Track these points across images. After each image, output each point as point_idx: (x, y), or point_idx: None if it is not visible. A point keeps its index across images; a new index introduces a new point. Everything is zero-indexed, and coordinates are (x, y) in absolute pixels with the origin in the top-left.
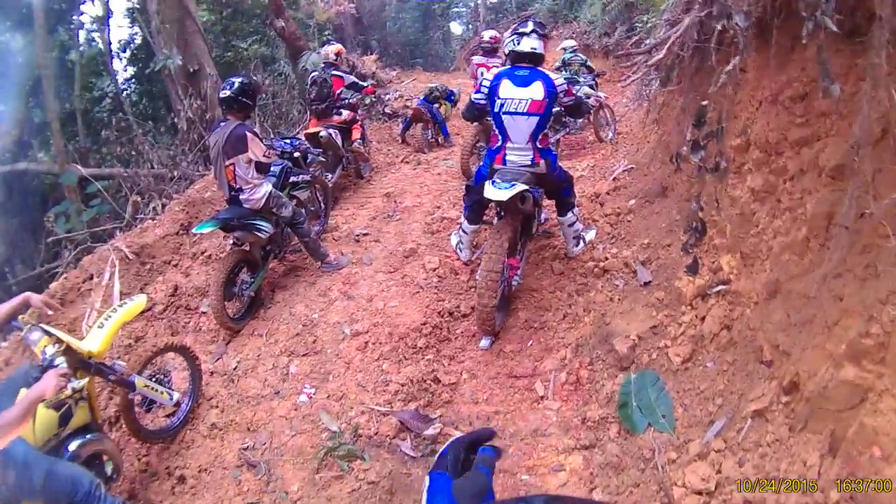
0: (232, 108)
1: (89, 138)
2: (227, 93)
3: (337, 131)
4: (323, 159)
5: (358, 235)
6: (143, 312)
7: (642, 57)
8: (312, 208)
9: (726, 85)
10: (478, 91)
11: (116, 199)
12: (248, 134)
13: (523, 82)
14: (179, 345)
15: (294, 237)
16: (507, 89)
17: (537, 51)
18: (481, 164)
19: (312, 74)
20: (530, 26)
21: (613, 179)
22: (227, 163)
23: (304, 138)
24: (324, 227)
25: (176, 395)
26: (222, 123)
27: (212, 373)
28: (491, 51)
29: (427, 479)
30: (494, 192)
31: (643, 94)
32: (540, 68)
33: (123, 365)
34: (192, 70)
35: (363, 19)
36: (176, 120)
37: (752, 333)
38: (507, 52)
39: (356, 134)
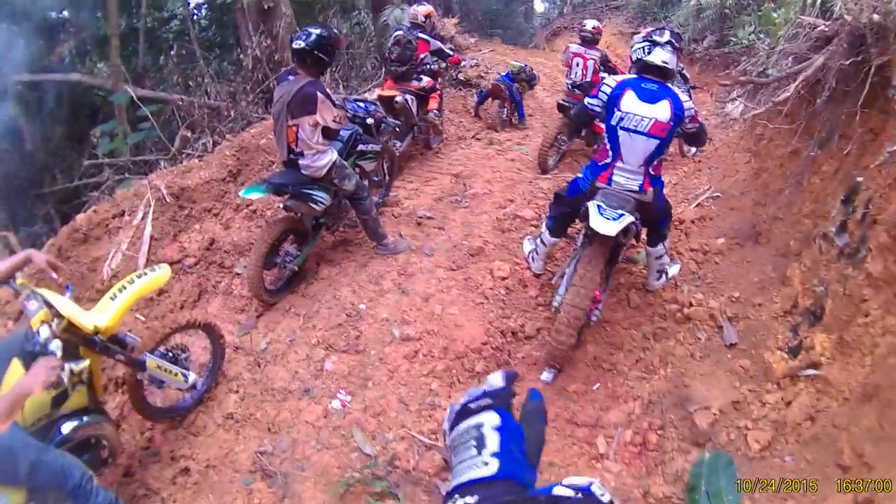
0: (304, 62)
1: (150, 59)
2: (302, 44)
3: (413, 97)
4: (398, 123)
5: (420, 217)
6: (172, 264)
7: (760, 91)
8: (376, 178)
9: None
10: (594, 96)
11: (167, 126)
12: (319, 94)
13: (650, 98)
14: (203, 322)
15: (352, 211)
16: (630, 102)
17: (668, 65)
18: (581, 175)
19: (396, 33)
20: (666, 36)
21: (698, 205)
22: (291, 122)
23: (377, 99)
24: (384, 199)
25: (192, 377)
26: (290, 77)
27: (237, 348)
28: (591, 41)
29: (495, 414)
30: (602, 222)
31: (731, 114)
32: (669, 85)
33: (137, 339)
34: (266, 7)
35: None
36: (242, 56)
37: (837, 432)
38: (633, 58)
39: (433, 104)
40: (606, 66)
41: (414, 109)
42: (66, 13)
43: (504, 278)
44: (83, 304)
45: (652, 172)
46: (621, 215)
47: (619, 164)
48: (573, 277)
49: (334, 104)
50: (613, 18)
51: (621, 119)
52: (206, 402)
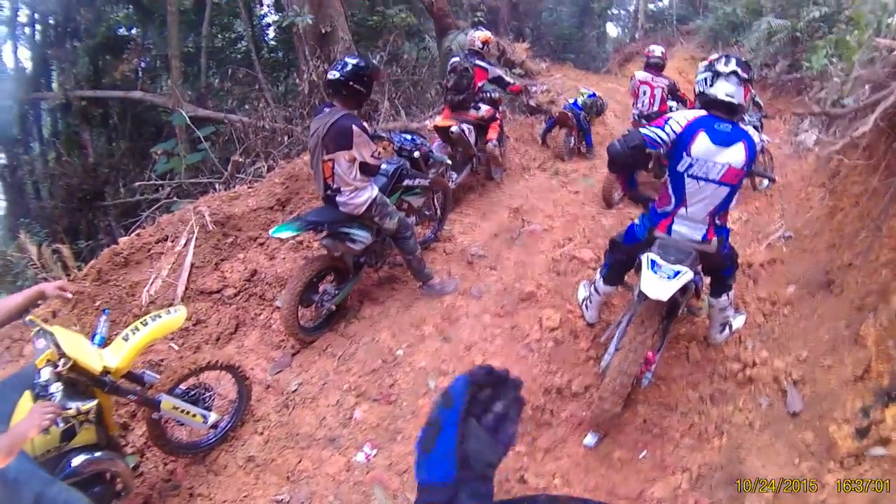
0: (340, 94)
1: (216, 78)
2: (336, 75)
3: (471, 127)
4: (449, 162)
5: (472, 255)
6: (210, 293)
7: (836, 123)
8: (427, 212)
9: None
10: (658, 126)
11: (227, 147)
12: (355, 128)
13: (724, 141)
14: (226, 363)
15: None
16: (702, 147)
17: (734, 100)
18: (637, 221)
19: (453, 61)
20: (731, 65)
21: (768, 246)
22: (326, 157)
23: (433, 129)
24: (437, 235)
25: (212, 418)
26: (326, 109)
27: (268, 386)
28: (658, 67)
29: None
30: (653, 285)
31: (804, 144)
32: (741, 124)
33: (155, 377)
34: (323, 31)
35: (519, 5)
36: (298, 81)
37: None
38: (696, 91)
39: (493, 133)
40: (675, 94)
41: (472, 140)
42: (133, 31)
43: (553, 329)
44: (119, 328)
45: (718, 222)
46: (677, 273)
47: (681, 212)
48: (623, 338)
49: (372, 138)
50: (685, 44)
51: (690, 166)
52: (231, 441)
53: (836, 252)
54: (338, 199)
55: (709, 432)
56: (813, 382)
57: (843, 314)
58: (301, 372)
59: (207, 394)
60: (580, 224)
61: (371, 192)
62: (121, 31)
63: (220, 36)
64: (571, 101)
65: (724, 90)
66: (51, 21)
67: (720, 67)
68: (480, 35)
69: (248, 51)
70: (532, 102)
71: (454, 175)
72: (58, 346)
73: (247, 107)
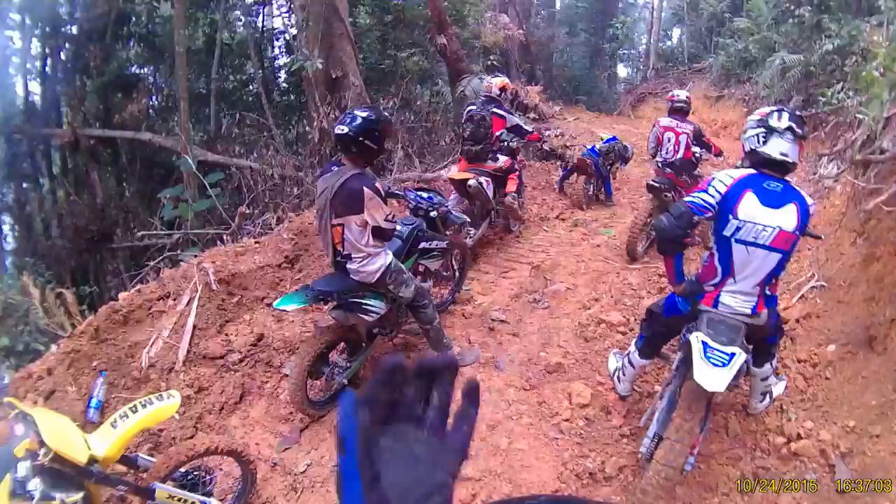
0: (349, 151)
1: (228, 120)
2: (345, 130)
3: (489, 180)
4: (468, 220)
5: (493, 321)
6: (214, 359)
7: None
8: (445, 273)
9: None
10: (703, 190)
11: (235, 195)
12: (367, 190)
13: (774, 202)
14: (227, 448)
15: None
16: (750, 208)
17: (789, 160)
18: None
19: (469, 109)
20: (785, 120)
21: (801, 298)
22: (336, 222)
23: (448, 181)
24: (455, 297)
25: None
26: (335, 168)
27: (274, 464)
28: (683, 112)
29: None
30: (710, 375)
31: (827, 177)
32: (793, 183)
33: (150, 461)
34: (334, 76)
35: (530, 47)
36: (308, 128)
37: None
38: (745, 149)
39: (511, 186)
40: (700, 140)
41: (490, 193)
42: (144, 70)
43: (584, 406)
44: (117, 391)
45: (768, 293)
46: (732, 356)
47: (729, 283)
48: (668, 427)
49: (385, 200)
50: (697, 82)
51: (738, 229)
52: None
53: (876, 306)
54: (349, 266)
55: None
56: (861, 454)
57: (890, 375)
58: (310, 450)
59: (209, 477)
60: (605, 282)
61: (385, 258)
62: (132, 69)
63: (231, 78)
64: (589, 146)
65: (778, 148)
66: (61, 56)
67: (774, 123)
68: (497, 81)
69: (259, 94)
70: (546, 147)
71: (472, 231)
72: (38, 435)
73: (255, 154)
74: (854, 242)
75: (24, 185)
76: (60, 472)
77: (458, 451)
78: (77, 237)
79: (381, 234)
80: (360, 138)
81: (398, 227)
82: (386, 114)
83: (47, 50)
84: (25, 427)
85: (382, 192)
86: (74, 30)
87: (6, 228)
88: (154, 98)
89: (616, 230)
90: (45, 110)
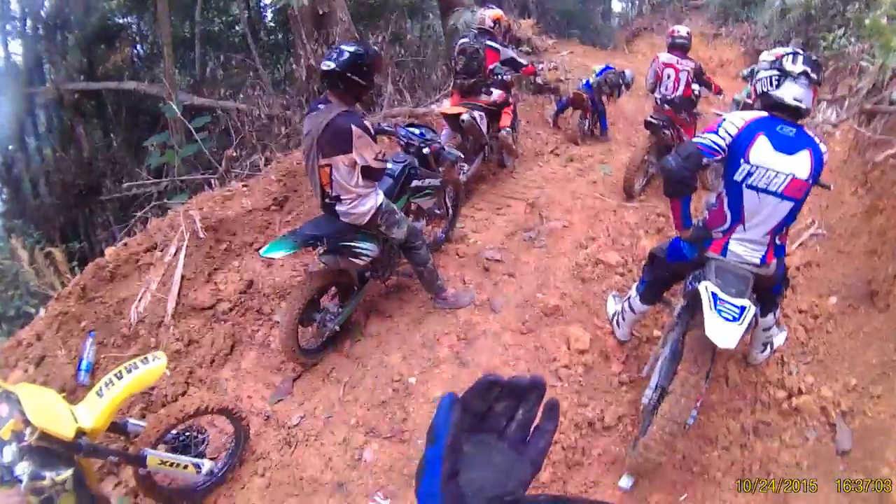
0: (336, 87)
1: (215, 63)
2: (331, 65)
3: (483, 114)
4: (461, 156)
5: (488, 260)
6: (203, 309)
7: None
8: (438, 211)
9: None
10: (712, 131)
11: (222, 138)
12: (355, 128)
13: (788, 147)
14: (219, 407)
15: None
16: (762, 152)
17: (802, 106)
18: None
19: (461, 41)
20: (800, 64)
21: (801, 245)
22: (323, 162)
23: (441, 115)
24: (448, 235)
25: (206, 465)
26: (321, 106)
27: (268, 417)
28: (684, 49)
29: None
30: (722, 331)
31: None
32: (806, 128)
33: (140, 425)
34: (321, 12)
35: None
36: (295, 66)
37: None
38: (757, 90)
39: (506, 120)
40: (700, 78)
41: (484, 127)
42: (127, 19)
43: (582, 351)
44: (107, 350)
45: (778, 242)
46: (742, 310)
47: (738, 230)
48: (672, 379)
49: (375, 134)
50: (694, 19)
51: (749, 175)
52: (230, 483)
53: (879, 260)
54: (338, 208)
55: (752, 472)
56: (861, 414)
57: (892, 335)
58: (304, 401)
59: (201, 436)
60: (602, 220)
61: (376, 198)
62: (114, 20)
63: (216, 20)
64: (584, 81)
65: (792, 93)
66: (41, 14)
67: (788, 66)
68: (491, 13)
69: (245, 34)
70: (540, 81)
71: (465, 167)
72: (22, 414)
73: (241, 95)
74: (855, 192)
75: (10, 146)
76: (48, 450)
77: (532, 463)
78: (65, 193)
79: (370, 174)
80: (348, 73)
81: (389, 166)
82: (374, 48)
83: (26, 9)
84: (9, 407)
85: (371, 130)
86: None
87: None
88: (138, 46)
89: (612, 167)
90: (28, 69)
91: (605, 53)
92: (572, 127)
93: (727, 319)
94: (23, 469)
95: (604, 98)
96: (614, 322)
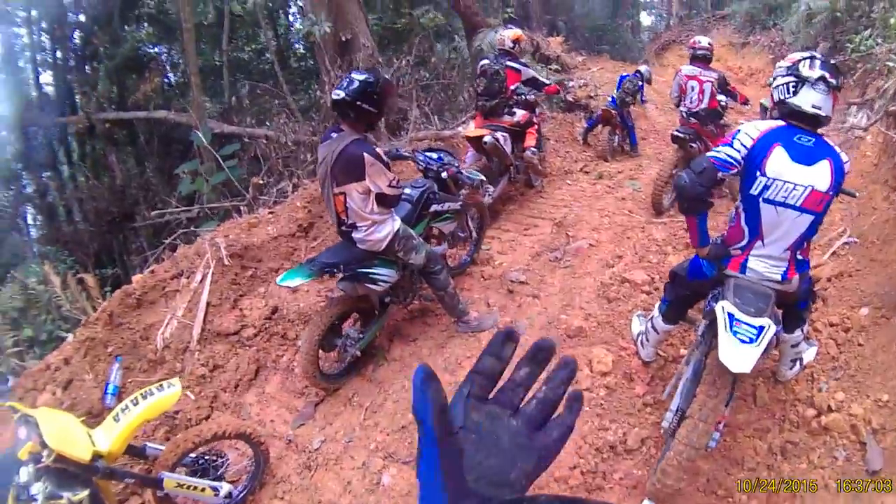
0: (347, 116)
1: (245, 90)
2: (342, 94)
3: (506, 135)
4: (483, 178)
5: (513, 281)
6: (228, 335)
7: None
8: (462, 234)
9: None
10: (727, 144)
11: (252, 165)
12: (367, 156)
13: (806, 157)
14: (237, 432)
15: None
16: (779, 164)
17: (822, 113)
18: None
19: (482, 63)
20: (818, 69)
21: (833, 255)
22: (337, 191)
23: (465, 138)
24: (473, 258)
25: (224, 489)
26: (334, 134)
27: (289, 441)
28: (706, 60)
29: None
30: (736, 354)
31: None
32: (825, 137)
33: (159, 449)
34: (343, 39)
35: None
36: (320, 93)
37: None
38: (774, 98)
39: (530, 140)
40: (725, 89)
41: (508, 149)
42: (156, 49)
43: (605, 374)
44: (133, 375)
45: (799, 257)
46: (760, 330)
47: (757, 246)
48: (692, 403)
49: (394, 159)
50: (721, 29)
51: (765, 188)
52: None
53: None
54: (354, 235)
55: (780, 496)
56: (894, 433)
57: None
58: (325, 425)
59: (220, 460)
60: (629, 237)
61: (392, 225)
62: (144, 49)
63: (246, 48)
64: (610, 98)
65: (810, 100)
66: (70, 46)
67: (805, 72)
68: (510, 33)
69: (273, 63)
70: (570, 98)
71: (490, 189)
72: (40, 436)
73: (268, 123)
74: (887, 197)
75: (45, 174)
76: (66, 471)
77: (541, 452)
78: (98, 220)
79: (385, 201)
80: (358, 102)
81: (407, 191)
82: (385, 76)
83: (56, 41)
84: (28, 430)
85: (384, 157)
86: (82, 18)
87: (30, 218)
88: (169, 75)
89: (642, 182)
90: (59, 99)
91: (634, 68)
92: (602, 144)
93: (743, 341)
94: (38, 489)
95: (630, 111)
96: (639, 342)
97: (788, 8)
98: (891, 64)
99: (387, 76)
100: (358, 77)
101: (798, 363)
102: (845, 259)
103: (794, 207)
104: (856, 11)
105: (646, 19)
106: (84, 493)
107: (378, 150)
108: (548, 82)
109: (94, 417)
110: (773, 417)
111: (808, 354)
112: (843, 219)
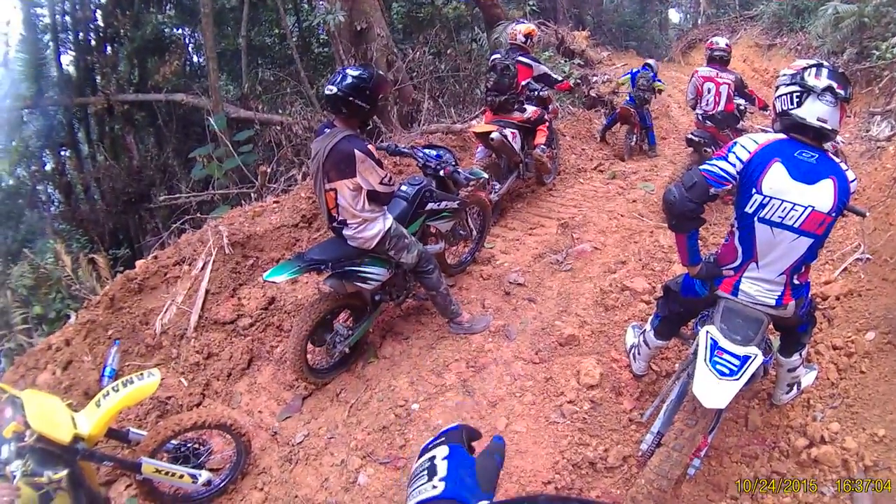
0: (339, 112)
1: (265, 74)
2: (333, 90)
3: (516, 131)
4: (485, 176)
5: (511, 283)
6: (224, 324)
7: None
8: (462, 233)
9: None
10: (721, 157)
11: (266, 151)
12: (358, 153)
13: (807, 175)
14: (216, 422)
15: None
16: (777, 181)
17: (827, 125)
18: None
19: (493, 58)
20: (824, 78)
21: (844, 271)
22: (328, 187)
23: (474, 134)
24: (474, 256)
25: (203, 476)
26: (326, 130)
27: (274, 433)
28: (723, 61)
29: (445, 447)
30: (711, 388)
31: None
32: (829, 153)
33: (141, 435)
34: (358, 28)
35: None
36: None
37: None
38: (777, 109)
39: (541, 137)
40: (742, 91)
41: (517, 145)
42: (178, 31)
43: (591, 387)
44: (131, 359)
45: (797, 282)
46: (743, 361)
47: (751, 268)
48: (668, 431)
49: (380, 162)
50: (749, 30)
51: (761, 206)
52: (231, 494)
53: None
54: (345, 232)
55: None
56: (887, 468)
57: None
58: (310, 419)
59: (203, 448)
60: (636, 242)
61: (383, 223)
62: (166, 31)
63: (268, 33)
64: (628, 96)
65: (815, 112)
66: (91, 27)
67: (811, 81)
68: (522, 28)
69: (297, 47)
70: (593, 93)
71: (497, 186)
72: (24, 417)
73: (280, 111)
74: None
75: (63, 153)
76: (48, 451)
77: (486, 483)
78: (115, 199)
79: (377, 199)
80: (350, 98)
81: (403, 188)
82: (379, 71)
83: (78, 22)
84: (13, 410)
85: (376, 154)
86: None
87: (47, 196)
88: (191, 57)
89: (655, 185)
90: (80, 80)
91: (661, 65)
92: (619, 142)
93: (722, 373)
94: (16, 466)
95: (650, 110)
96: (631, 355)
97: (816, 11)
98: None
99: (395, 67)
100: (351, 73)
101: (795, 387)
102: (856, 276)
103: (791, 229)
104: (884, 17)
105: (674, 16)
106: (63, 473)
107: (370, 146)
108: (560, 79)
109: (90, 398)
110: (763, 444)
111: (807, 379)
112: (858, 233)
